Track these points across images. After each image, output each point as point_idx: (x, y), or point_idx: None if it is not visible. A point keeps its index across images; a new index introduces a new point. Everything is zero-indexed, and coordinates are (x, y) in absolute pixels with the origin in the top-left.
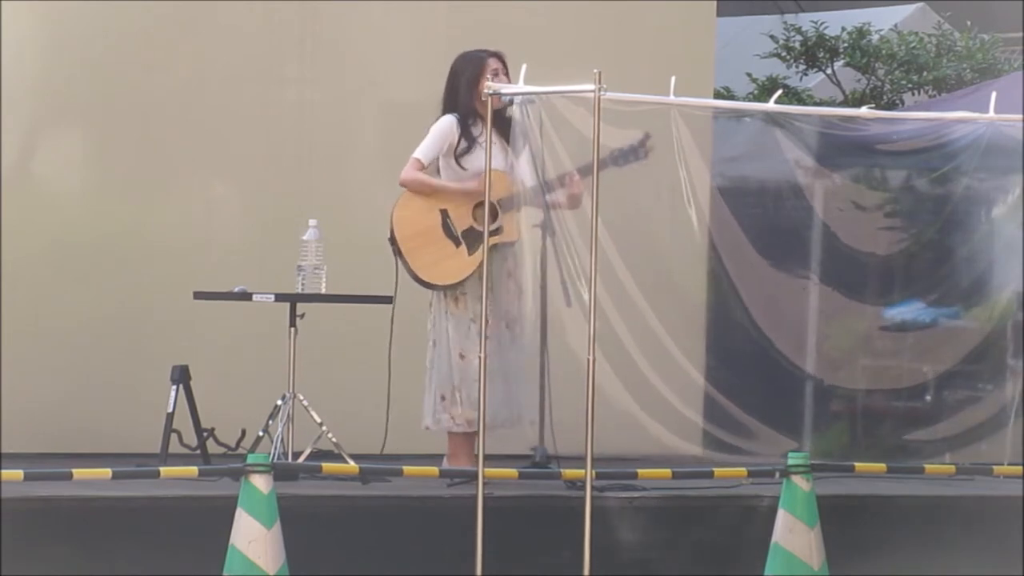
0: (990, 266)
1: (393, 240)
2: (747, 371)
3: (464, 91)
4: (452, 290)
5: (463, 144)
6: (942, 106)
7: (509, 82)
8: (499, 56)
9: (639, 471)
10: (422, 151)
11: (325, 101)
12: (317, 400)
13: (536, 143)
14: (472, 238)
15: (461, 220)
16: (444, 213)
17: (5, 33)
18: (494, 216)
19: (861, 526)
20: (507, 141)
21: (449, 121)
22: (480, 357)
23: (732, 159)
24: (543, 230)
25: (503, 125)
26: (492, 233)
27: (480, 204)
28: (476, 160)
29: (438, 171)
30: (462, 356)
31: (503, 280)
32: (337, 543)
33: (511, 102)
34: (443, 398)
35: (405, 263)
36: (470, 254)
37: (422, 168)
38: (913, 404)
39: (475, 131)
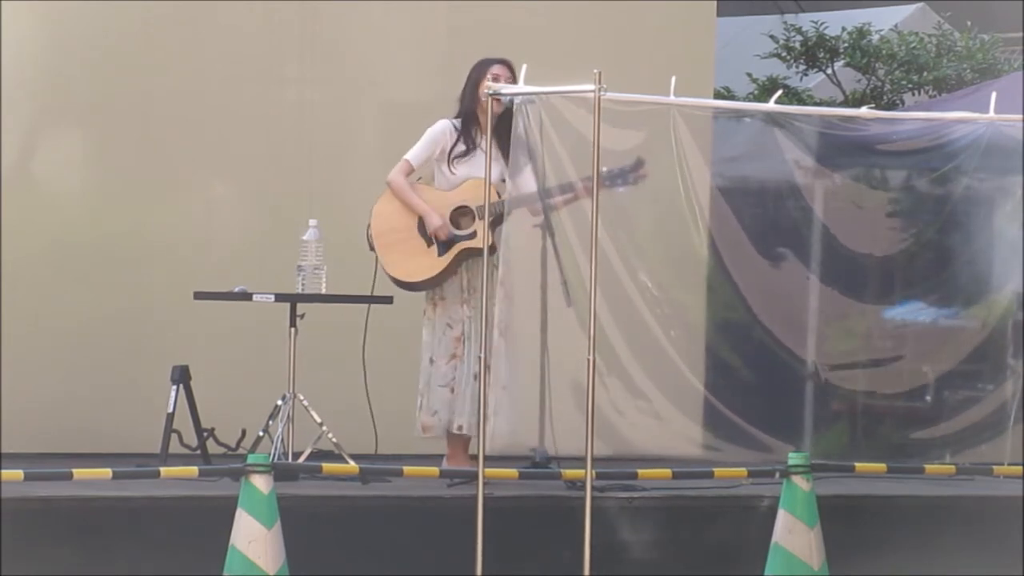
0: (990, 266)
1: (368, 234)
2: (747, 371)
3: (468, 96)
4: (433, 294)
5: (460, 148)
6: (942, 106)
7: None
8: (505, 63)
9: (639, 471)
10: (413, 154)
11: (325, 101)
12: (317, 400)
13: (536, 143)
14: (444, 241)
15: None
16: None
17: (5, 33)
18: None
19: (861, 526)
20: (504, 151)
21: (443, 125)
22: (480, 357)
23: (732, 159)
24: (543, 230)
25: (503, 134)
26: (464, 238)
27: (457, 209)
28: (467, 167)
29: (433, 175)
30: (432, 361)
31: (492, 289)
32: (337, 543)
33: (511, 103)
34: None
35: (377, 257)
36: (440, 255)
37: (411, 172)
38: (913, 404)
39: (476, 136)
